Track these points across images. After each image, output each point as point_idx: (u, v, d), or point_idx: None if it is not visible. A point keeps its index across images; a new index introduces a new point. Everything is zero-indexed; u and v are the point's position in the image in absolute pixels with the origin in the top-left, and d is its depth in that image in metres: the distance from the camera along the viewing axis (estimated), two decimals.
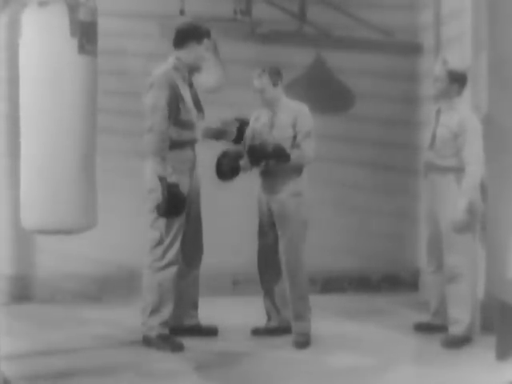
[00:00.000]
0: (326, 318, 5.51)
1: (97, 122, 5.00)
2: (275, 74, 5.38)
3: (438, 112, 5.41)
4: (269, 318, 5.58)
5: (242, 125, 5.51)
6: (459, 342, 5.25)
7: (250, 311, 5.80)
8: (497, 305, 5.04)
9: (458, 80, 5.30)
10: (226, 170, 5.39)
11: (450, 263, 5.29)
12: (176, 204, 5.13)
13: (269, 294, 5.54)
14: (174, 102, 5.19)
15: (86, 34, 4.81)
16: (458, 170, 5.26)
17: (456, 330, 5.29)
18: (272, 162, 5.30)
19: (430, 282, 5.62)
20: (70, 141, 4.83)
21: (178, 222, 5.24)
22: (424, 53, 6.99)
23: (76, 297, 6.56)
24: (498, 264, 5.57)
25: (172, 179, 5.12)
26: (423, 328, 5.58)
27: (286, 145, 5.30)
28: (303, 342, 5.30)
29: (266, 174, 5.41)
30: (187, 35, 5.27)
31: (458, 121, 5.27)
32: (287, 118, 5.36)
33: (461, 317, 5.28)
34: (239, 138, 5.51)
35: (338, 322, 5.37)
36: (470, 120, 5.29)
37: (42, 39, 4.78)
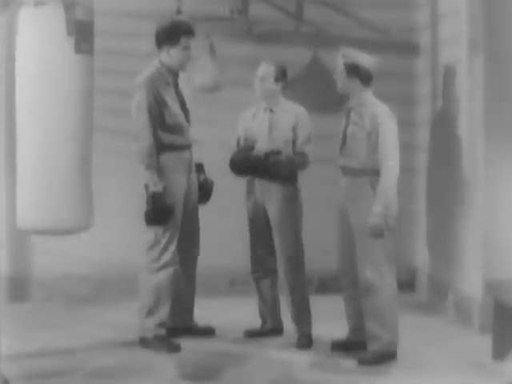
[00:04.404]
0: (322, 318, 5.50)
1: (93, 122, 4.99)
2: (280, 71, 5.37)
3: (349, 110, 5.03)
4: (263, 321, 5.58)
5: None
6: (377, 360, 4.89)
7: (246, 312, 5.80)
8: (494, 305, 5.06)
9: (358, 75, 4.94)
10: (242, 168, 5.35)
11: (365, 274, 4.89)
12: (160, 213, 5.10)
13: (264, 298, 5.54)
14: (157, 106, 5.17)
15: (82, 34, 4.80)
16: (372, 173, 4.91)
17: (374, 347, 4.92)
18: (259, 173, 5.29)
19: (345, 296, 5.16)
20: (66, 140, 4.81)
21: (174, 223, 5.23)
22: (420, 52, 7.00)
23: (73, 297, 6.55)
24: (494, 264, 5.58)
25: (157, 188, 5.10)
26: (340, 346, 5.18)
27: (286, 148, 5.28)
28: (306, 344, 5.31)
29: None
30: (160, 38, 5.28)
31: (370, 118, 4.91)
32: (287, 119, 5.34)
33: (379, 333, 4.89)
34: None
35: (335, 323, 5.37)
36: (381, 117, 4.91)
37: (38, 38, 4.77)
